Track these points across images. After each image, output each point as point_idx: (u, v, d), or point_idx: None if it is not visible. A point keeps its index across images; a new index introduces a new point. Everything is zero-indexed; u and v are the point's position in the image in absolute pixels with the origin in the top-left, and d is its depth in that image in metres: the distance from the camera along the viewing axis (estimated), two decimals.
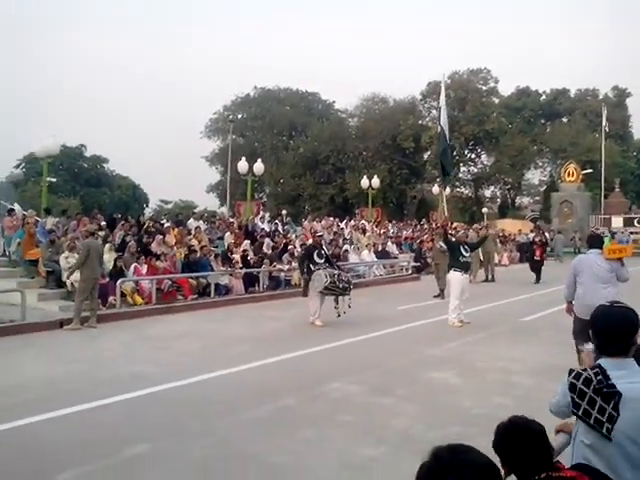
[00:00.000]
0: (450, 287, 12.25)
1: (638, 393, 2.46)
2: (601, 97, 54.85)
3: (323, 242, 15.83)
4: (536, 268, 20.44)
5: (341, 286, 11.53)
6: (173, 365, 8.36)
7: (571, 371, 2.61)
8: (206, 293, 14.86)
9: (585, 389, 2.49)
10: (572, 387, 2.54)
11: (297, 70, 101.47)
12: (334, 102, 60.08)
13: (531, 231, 29.08)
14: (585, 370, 2.56)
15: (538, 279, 20.00)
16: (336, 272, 11.81)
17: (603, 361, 2.57)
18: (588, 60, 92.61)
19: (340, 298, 11.59)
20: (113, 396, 6.68)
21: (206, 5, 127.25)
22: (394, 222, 33.26)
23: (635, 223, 37.94)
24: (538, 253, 20.90)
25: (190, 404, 6.55)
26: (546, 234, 25.49)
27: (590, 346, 3.18)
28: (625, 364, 2.55)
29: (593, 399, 2.47)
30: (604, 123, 42.78)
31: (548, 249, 24.00)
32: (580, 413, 2.50)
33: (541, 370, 7.98)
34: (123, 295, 13.08)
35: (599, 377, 2.49)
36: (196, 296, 14.59)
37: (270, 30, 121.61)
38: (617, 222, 37.90)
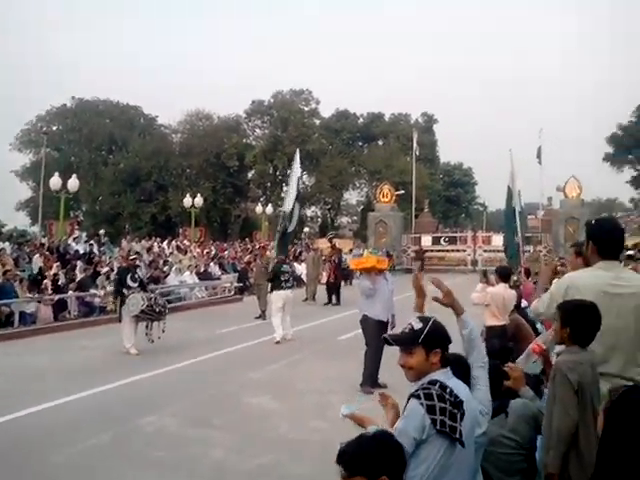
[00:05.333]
0: (271, 304, 12.62)
1: (465, 395, 2.59)
2: (412, 122, 58.74)
3: (141, 264, 15.26)
4: (329, 290, 20.06)
5: (157, 310, 11.19)
6: None
7: (412, 396, 2.52)
8: (9, 323, 13.61)
9: (443, 405, 2.46)
10: (431, 409, 2.45)
11: (118, 84, 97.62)
12: (157, 117, 57.81)
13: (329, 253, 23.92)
14: (426, 389, 2.51)
15: (329, 300, 19.64)
16: (152, 295, 11.52)
17: (437, 374, 2.60)
18: (401, 85, 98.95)
19: (155, 323, 11.23)
20: None
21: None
22: (217, 242, 33.02)
23: (441, 241, 40.88)
24: (332, 274, 20.35)
25: None
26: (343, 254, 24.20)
27: (345, 410, 3.21)
28: (449, 373, 2.66)
29: (453, 413, 2.46)
30: (415, 147, 45.76)
31: None
32: (447, 430, 2.43)
33: (356, 389, 8.26)
34: None
35: (447, 389, 2.50)
36: None
37: (92, 43, 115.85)
38: (426, 241, 40.51)
